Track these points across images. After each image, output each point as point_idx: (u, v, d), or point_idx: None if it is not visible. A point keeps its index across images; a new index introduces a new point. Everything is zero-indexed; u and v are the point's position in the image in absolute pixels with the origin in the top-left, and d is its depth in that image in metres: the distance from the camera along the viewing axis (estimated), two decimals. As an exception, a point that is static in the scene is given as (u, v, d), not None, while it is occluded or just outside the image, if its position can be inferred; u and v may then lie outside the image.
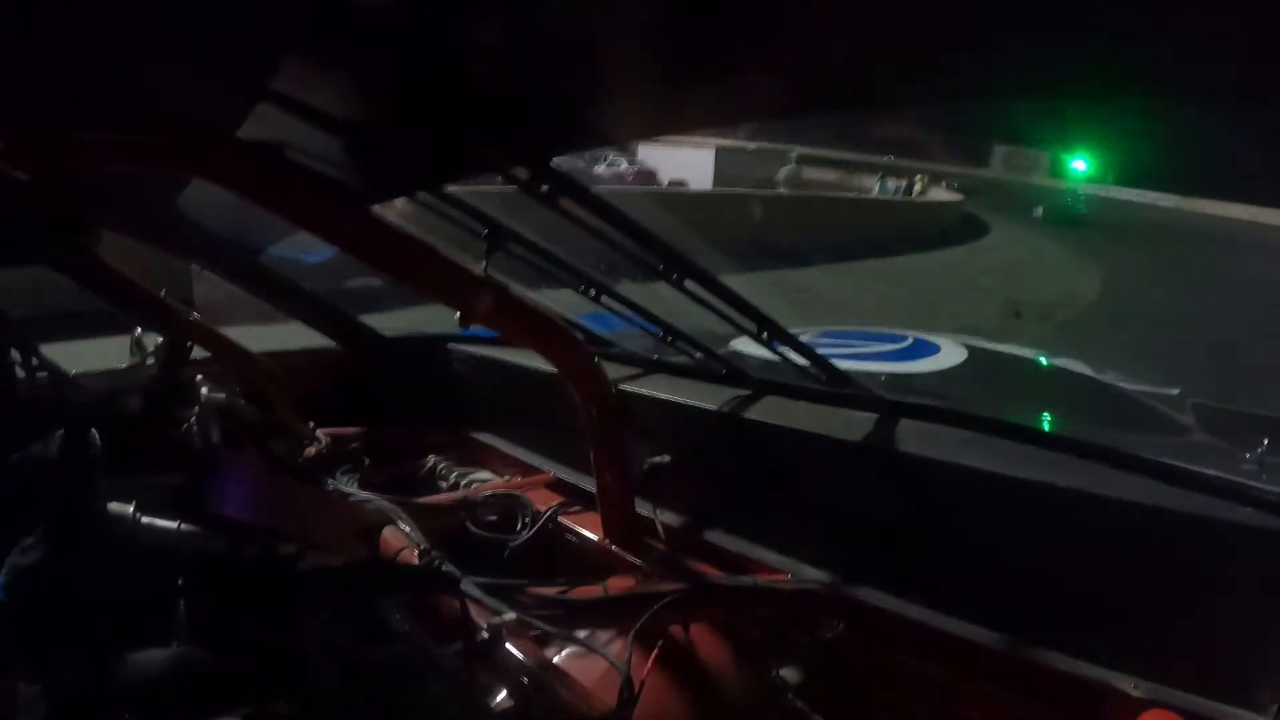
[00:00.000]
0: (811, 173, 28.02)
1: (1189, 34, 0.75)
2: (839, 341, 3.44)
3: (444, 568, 1.45)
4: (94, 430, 1.36)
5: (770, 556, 1.79)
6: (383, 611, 1.32)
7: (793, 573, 1.71)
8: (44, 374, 1.83)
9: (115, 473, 1.49)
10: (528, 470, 2.43)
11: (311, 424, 2.45)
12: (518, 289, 1.54)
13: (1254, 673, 1.21)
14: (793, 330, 1.86)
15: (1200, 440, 2.70)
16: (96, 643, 1.20)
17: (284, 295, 2.65)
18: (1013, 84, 1.00)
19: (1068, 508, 1.40)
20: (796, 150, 26.56)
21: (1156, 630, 1.31)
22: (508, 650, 1.31)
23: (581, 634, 1.43)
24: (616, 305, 1.99)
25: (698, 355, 2.11)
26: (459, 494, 2.18)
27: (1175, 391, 3.41)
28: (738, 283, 1.73)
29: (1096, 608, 1.38)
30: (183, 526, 1.32)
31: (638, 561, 1.75)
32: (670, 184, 22.72)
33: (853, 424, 1.74)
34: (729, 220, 14.96)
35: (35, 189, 1.70)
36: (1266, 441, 1.59)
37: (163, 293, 2.33)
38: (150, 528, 1.30)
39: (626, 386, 2.11)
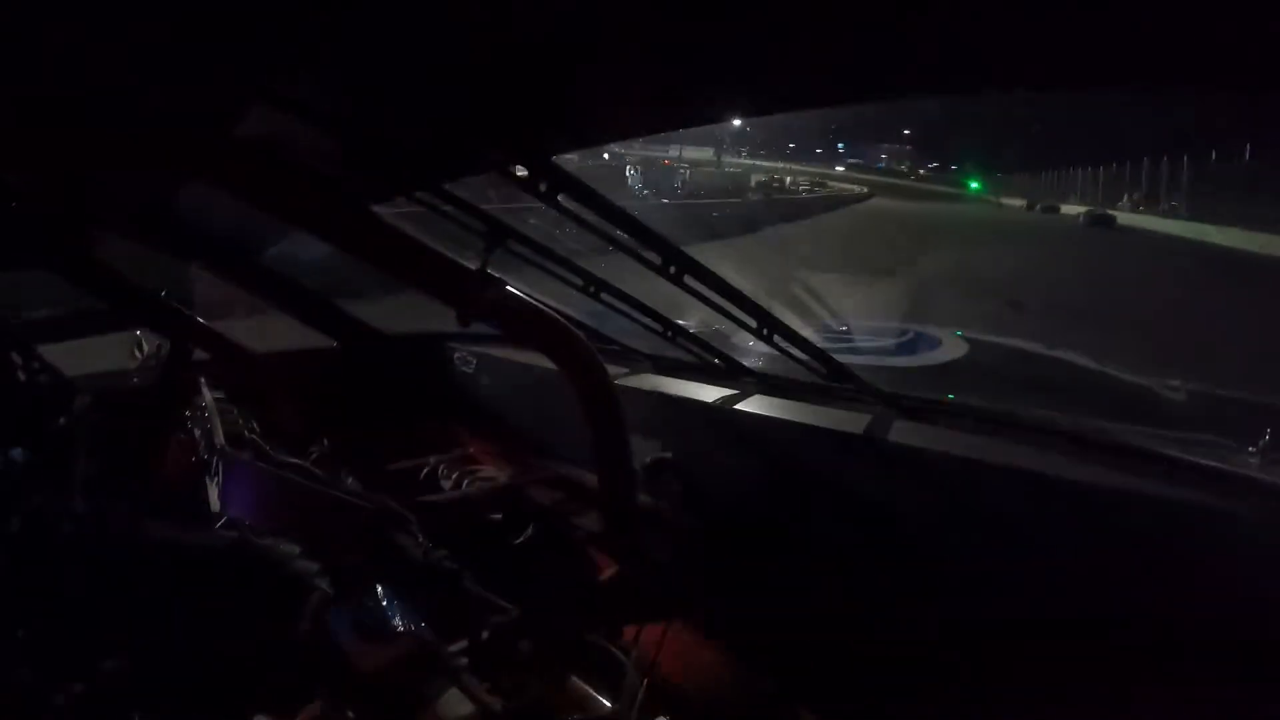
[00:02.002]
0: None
1: None
2: (839, 335, 3.44)
3: (448, 565, 1.45)
4: (88, 434, 1.36)
5: (773, 551, 1.79)
6: (386, 610, 1.32)
7: (796, 566, 1.71)
8: (44, 377, 1.82)
9: (117, 474, 1.49)
10: (529, 467, 2.43)
11: (312, 423, 2.45)
12: (517, 286, 1.54)
13: (1259, 665, 1.21)
14: (792, 325, 1.86)
15: (1203, 431, 2.70)
16: (97, 642, 1.20)
17: (283, 294, 2.64)
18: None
19: (1071, 500, 1.40)
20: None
21: (1160, 623, 1.31)
22: (512, 647, 1.32)
23: (585, 630, 1.43)
24: (616, 302, 1.99)
25: (698, 351, 2.11)
26: (461, 492, 2.18)
27: (1176, 383, 3.41)
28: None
29: (1101, 600, 1.38)
30: (185, 527, 1.32)
31: (640, 557, 1.75)
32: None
33: (854, 419, 1.74)
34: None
35: (33, 191, 1.69)
36: (1269, 433, 1.59)
37: (163, 294, 2.33)
38: (152, 528, 1.30)
39: (627, 383, 2.11)
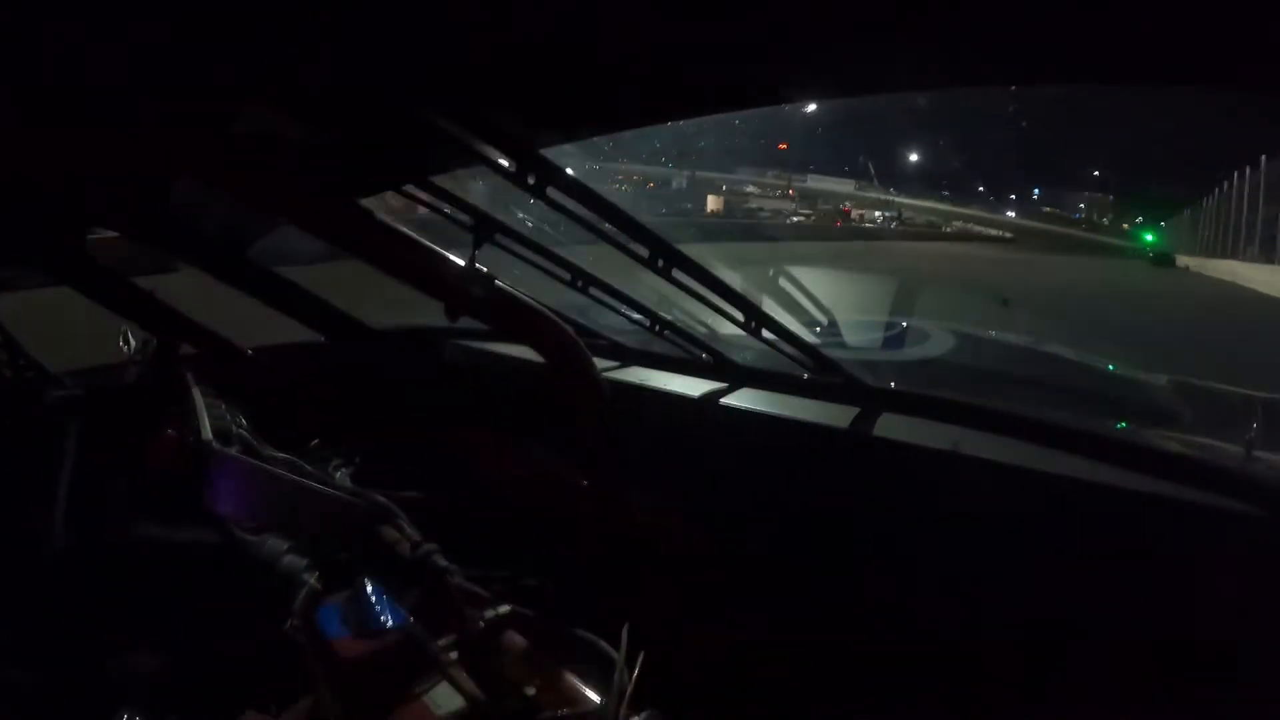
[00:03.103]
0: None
1: None
2: (826, 329, 3.44)
3: (437, 561, 1.45)
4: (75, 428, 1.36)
5: (762, 547, 1.80)
6: (375, 605, 1.32)
7: (785, 563, 1.72)
8: (30, 372, 1.81)
9: (104, 470, 1.48)
10: (517, 462, 2.42)
11: (301, 418, 2.44)
12: (505, 280, 1.54)
13: (1247, 664, 1.22)
14: (780, 319, 1.87)
15: (1189, 425, 2.71)
16: (85, 639, 1.20)
17: (272, 290, 2.63)
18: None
19: (1059, 495, 1.41)
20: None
21: (1147, 618, 1.32)
22: (502, 642, 1.32)
23: (576, 626, 1.43)
24: (604, 296, 1.99)
25: (686, 345, 2.11)
26: (449, 486, 2.18)
27: (1164, 377, 3.43)
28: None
29: (1087, 595, 1.39)
30: (173, 523, 1.32)
31: (630, 553, 1.76)
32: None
33: (842, 413, 1.75)
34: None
35: (23, 185, 1.68)
36: (1255, 426, 1.60)
37: (153, 290, 2.32)
38: (140, 525, 1.30)
39: (615, 376, 2.11)
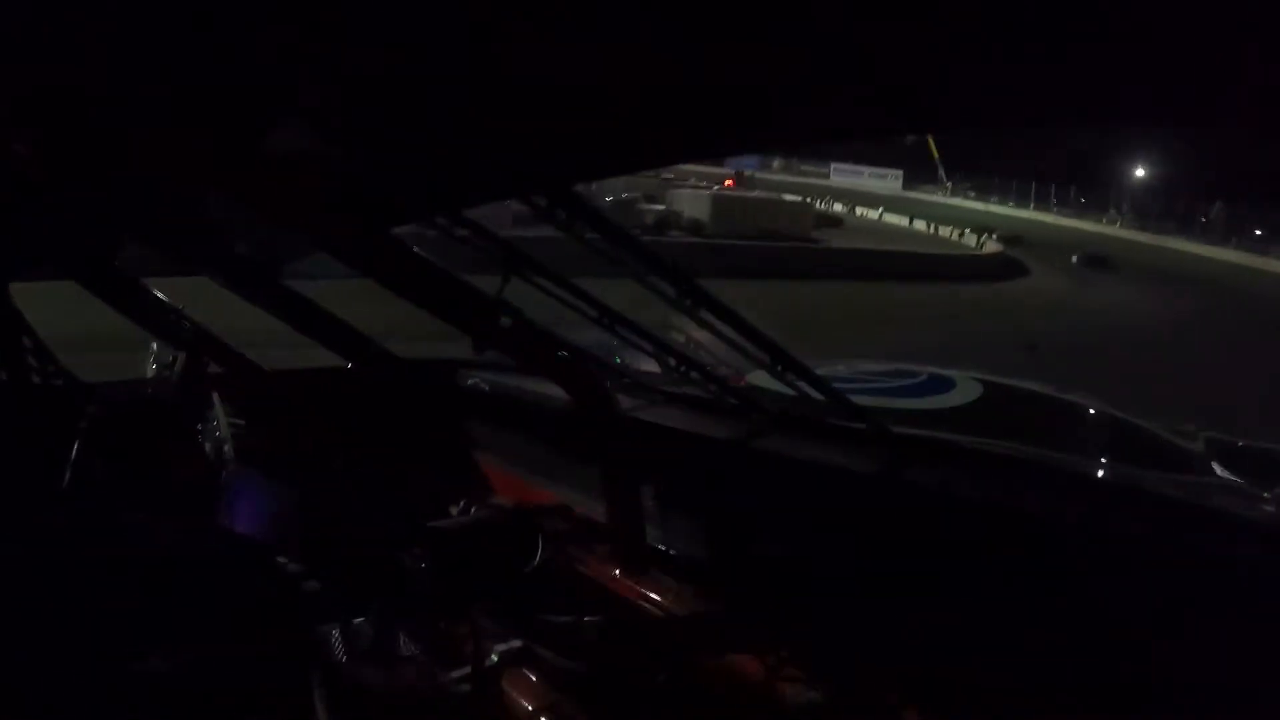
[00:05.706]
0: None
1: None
2: (852, 375, 3.42)
3: (451, 592, 1.44)
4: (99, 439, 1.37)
5: (782, 590, 1.77)
6: (391, 634, 1.31)
7: (805, 608, 1.70)
8: (59, 381, 1.84)
9: (128, 483, 1.50)
10: (539, 497, 2.42)
11: (322, 443, 2.45)
12: (532, 315, 1.55)
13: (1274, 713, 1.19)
14: (806, 362, 1.86)
15: (1219, 477, 2.67)
16: (98, 648, 1.20)
17: (299, 313, 2.66)
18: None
19: (1084, 545, 1.39)
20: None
21: (1174, 673, 1.29)
22: (514, 677, 1.31)
23: (588, 663, 1.42)
24: (630, 334, 1.99)
25: (711, 386, 2.10)
26: (469, 518, 2.17)
27: (1192, 428, 3.37)
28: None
29: (1113, 648, 1.36)
30: (192, 540, 1.32)
31: (647, 592, 1.74)
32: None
33: (867, 458, 1.73)
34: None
35: (55, 198, 1.71)
36: None
37: (182, 307, 2.35)
38: (161, 538, 1.31)
39: (639, 415, 2.11)
